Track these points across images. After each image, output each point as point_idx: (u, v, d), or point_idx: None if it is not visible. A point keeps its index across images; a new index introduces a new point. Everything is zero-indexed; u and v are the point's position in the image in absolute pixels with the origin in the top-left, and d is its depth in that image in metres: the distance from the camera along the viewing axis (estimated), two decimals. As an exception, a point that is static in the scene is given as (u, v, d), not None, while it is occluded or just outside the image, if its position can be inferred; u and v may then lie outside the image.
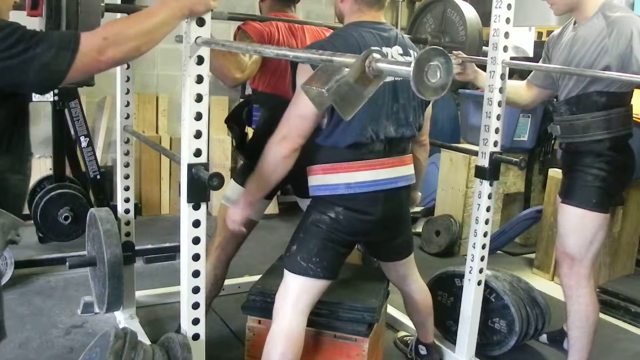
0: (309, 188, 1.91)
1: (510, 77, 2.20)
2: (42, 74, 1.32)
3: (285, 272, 1.90)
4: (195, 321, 1.66)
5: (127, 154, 2.48)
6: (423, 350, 2.40)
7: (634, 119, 2.21)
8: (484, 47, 2.38)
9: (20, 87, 1.36)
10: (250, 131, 2.48)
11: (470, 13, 2.50)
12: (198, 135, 1.54)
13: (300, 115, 1.77)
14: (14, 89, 1.37)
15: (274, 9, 2.34)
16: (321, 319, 2.04)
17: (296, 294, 1.87)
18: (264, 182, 1.86)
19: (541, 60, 2.40)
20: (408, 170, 1.96)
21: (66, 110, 3.35)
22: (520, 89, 2.43)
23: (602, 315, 2.48)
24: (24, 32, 1.32)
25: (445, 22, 2.62)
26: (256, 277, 2.36)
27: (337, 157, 1.83)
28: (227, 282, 3.04)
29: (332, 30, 2.18)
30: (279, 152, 1.78)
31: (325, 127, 1.82)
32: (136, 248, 2.58)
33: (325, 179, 1.85)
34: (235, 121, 2.36)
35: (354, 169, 1.82)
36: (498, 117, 2.13)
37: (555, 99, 2.41)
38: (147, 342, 1.94)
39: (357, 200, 1.84)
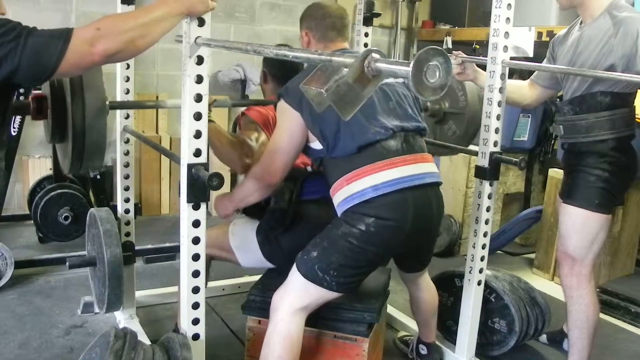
0: (336, 209, 1.87)
1: (510, 77, 2.20)
2: (33, 62, 1.29)
3: (294, 270, 1.84)
4: (195, 321, 1.66)
5: (127, 154, 2.48)
6: (424, 350, 2.40)
7: (636, 119, 2.22)
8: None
9: (11, 76, 1.32)
10: None
11: None
12: (198, 135, 1.54)
13: (275, 149, 1.86)
14: (4, 80, 1.34)
15: (275, 92, 2.33)
16: (321, 319, 2.04)
17: (299, 295, 1.82)
18: (242, 201, 2.04)
19: (545, 59, 2.40)
20: (432, 167, 1.93)
21: (66, 111, 3.35)
22: (522, 89, 2.43)
23: (602, 315, 2.48)
24: (15, 24, 1.31)
25: None
26: (256, 277, 2.36)
27: (356, 164, 1.81)
28: (227, 282, 3.07)
29: None
30: (255, 185, 1.95)
31: (325, 144, 1.83)
32: (136, 248, 2.58)
33: (351, 188, 1.81)
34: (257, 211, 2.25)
35: (376, 169, 1.79)
36: (498, 117, 2.13)
37: (558, 99, 2.40)
38: (147, 342, 1.94)
39: (387, 207, 1.78)
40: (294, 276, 1.84)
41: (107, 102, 2.04)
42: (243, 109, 2.41)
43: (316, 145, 1.89)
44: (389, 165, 1.80)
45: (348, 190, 1.81)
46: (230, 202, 2.07)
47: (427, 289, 2.28)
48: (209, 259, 2.28)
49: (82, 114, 1.87)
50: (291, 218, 2.10)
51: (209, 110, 2.09)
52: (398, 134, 1.85)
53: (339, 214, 1.86)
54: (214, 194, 2.09)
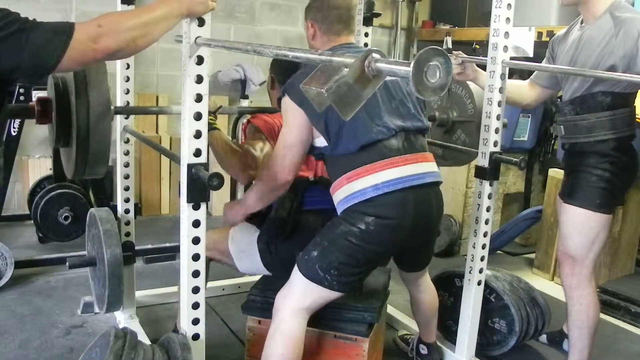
0: (336, 207, 1.86)
1: (510, 77, 2.20)
2: (35, 57, 1.29)
3: (296, 271, 1.85)
4: (195, 321, 1.66)
5: (127, 154, 2.48)
6: (424, 350, 2.40)
7: (637, 119, 2.22)
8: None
9: (14, 71, 1.32)
10: None
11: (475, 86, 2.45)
12: (198, 135, 1.54)
13: (286, 145, 1.85)
14: (7, 74, 1.34)
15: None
16: (321, 319, 2.04)
17: (301, 296, 1.83)
18: (255, 204, 2.00)
19: (545, 59, 2.40)
20: (433, 166, 1.92)
21: (66, 110, 3.35)
22: (522, 89, 2.43)
23: (602, 315, 2.48)
24: (17, 16, 1.30)
25: (451, 98, 2.60)
26: (256, 277, 2.36)
27: (357, 163, 1.80)
28: (227, 282, 3.07)
29: None
30: (268, 185, 1.91)
31: (329, 141, 1.82)
32: (136, 248, 2.58)
33: (352, 187, 1.80)
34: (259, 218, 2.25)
35: (377, 169, 1.79)
36: (498, 117, 2.13)
37: (559, 99, 2.40)
38: (147, 342, 1.95)
39: (387, 206, 1.77)
40: (296, 276, 1.85)
41: (113, 107, 2.05)
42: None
43: (320, 142, 1.87)
44: (390, 165, 1.80)
45: (349, 189, 1.81)
46: (241, 207, 2.04)
47: (428, 290, 2.29)
48: (208, 261, 2.28)
49: (87, 118, 1.86)
50: (291, 228, 2.09)
51: (214, 117, 2.13)
52: (400, 133, 1.84)
53: (338, 212, 1.86)
54: (214, 194, 2.09)
